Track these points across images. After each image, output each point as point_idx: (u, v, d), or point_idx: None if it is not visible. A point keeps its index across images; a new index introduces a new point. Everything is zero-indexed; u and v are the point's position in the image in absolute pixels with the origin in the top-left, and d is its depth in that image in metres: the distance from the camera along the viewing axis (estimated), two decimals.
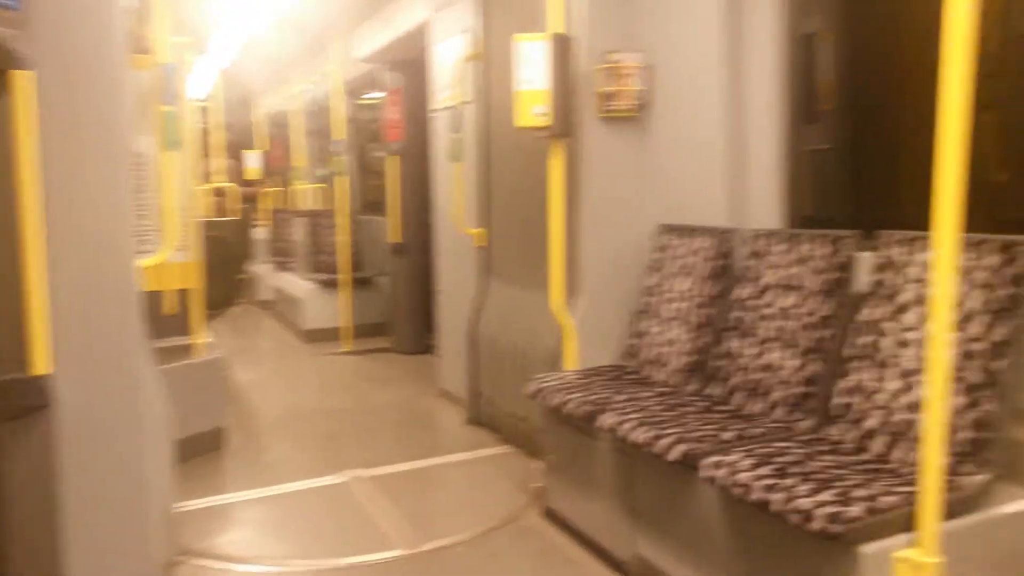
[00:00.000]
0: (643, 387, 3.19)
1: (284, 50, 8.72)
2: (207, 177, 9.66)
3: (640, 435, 2.63)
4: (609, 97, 3.65)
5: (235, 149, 11.00)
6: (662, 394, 3.06)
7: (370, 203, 8.27)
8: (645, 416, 2.76)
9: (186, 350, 4.30)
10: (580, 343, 3.66)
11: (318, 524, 3.51)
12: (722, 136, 3.36)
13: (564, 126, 3.60)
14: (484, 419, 4.62)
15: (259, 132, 11.16)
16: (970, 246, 2.21)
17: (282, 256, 9.31)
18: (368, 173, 8.60)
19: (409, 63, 6.26)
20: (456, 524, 3.37)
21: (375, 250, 7.50)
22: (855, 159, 3.53)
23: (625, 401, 2.96)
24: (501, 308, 4.49)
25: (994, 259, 2.19)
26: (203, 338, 4.39)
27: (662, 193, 3.70)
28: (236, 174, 10.67)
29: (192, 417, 4.10)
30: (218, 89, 9.59)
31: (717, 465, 2.27)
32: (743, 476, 2.16)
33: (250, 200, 10.77)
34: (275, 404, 5.49)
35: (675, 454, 2.47)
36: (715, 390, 3.06)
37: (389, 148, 6.65)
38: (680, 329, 3.34)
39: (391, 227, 6.68)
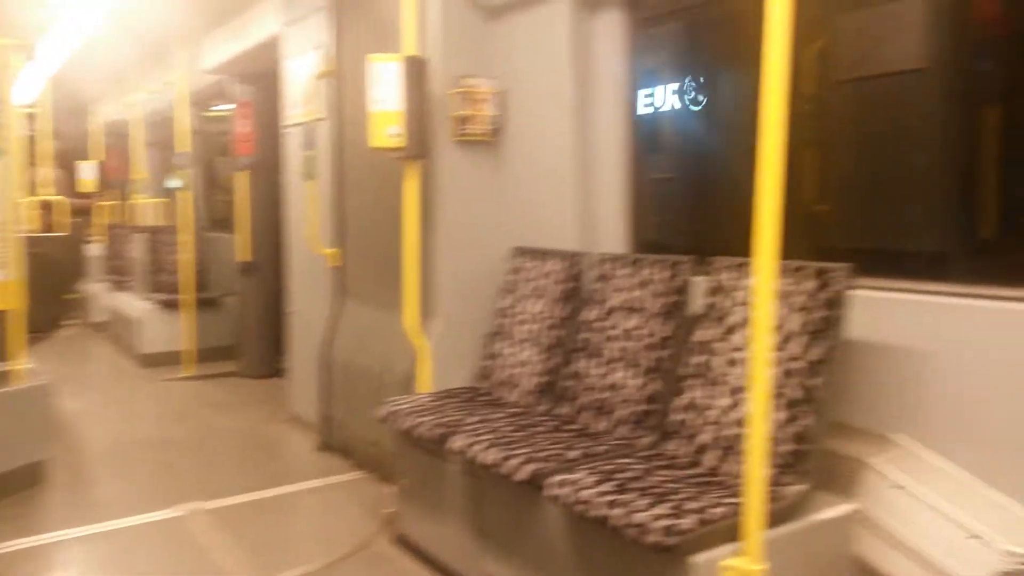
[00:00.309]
0: (495, 408, 3.21)
1: (123, 57, 8.22)
2: (33, 189, 8.90)
3: (489, 456, 2.64)
4: (464, 121, 3.68)
5: (68, 159, 10.20)
6: (513, 415, 3.10)
7: (218, 220, 7.91)
8: (495, 437, 2.78)
9: (3, 377, 3.92)
10: (435, 365, 3.65)
11: (150, 562, 3.27)
12: (572, 163, 3.48)
13: (419, 148, 3.60)
14: (336, 444, 4.50)
15: (95, 142, 10.42)
16: (789, 272, 2.40)
17: (118, 275, 8.70)
18: (216, 188, 8.23)
19: (260, 76, 6.06)
20: (302, 555, 3.25)
21: (222, 269, 7.16)
22: (695, 188, 3.75)
23: (477, 423, 2.97)
24: (356, 330, 4.40)
25: (810, 284, 2.38)
26: (23, 364, 4.02)
27: (516, 216, 3.77)
28: (67, 186, 9.88)
29: (8, 450, 3.74)
30: (47, 95, 8.88)
31: (561, 483, 2.32)
32: (585, 493, 2.22)
33: (83, 214, 9.99)
34: (106, 434, 5.09)
35: (523, 474, 2.50)
36: (564, 409, 3.13)
37: (239, 163, 6.39)
38: (532, 350, 3.40)
39: (240, 245, 6.40)
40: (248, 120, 6.32)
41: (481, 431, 2.85)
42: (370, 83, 3.52)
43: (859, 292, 2.39)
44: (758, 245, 1.93)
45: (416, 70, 3.55)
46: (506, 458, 2.59)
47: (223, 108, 7.52)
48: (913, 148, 2.97)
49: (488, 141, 3.76)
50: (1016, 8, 2.69)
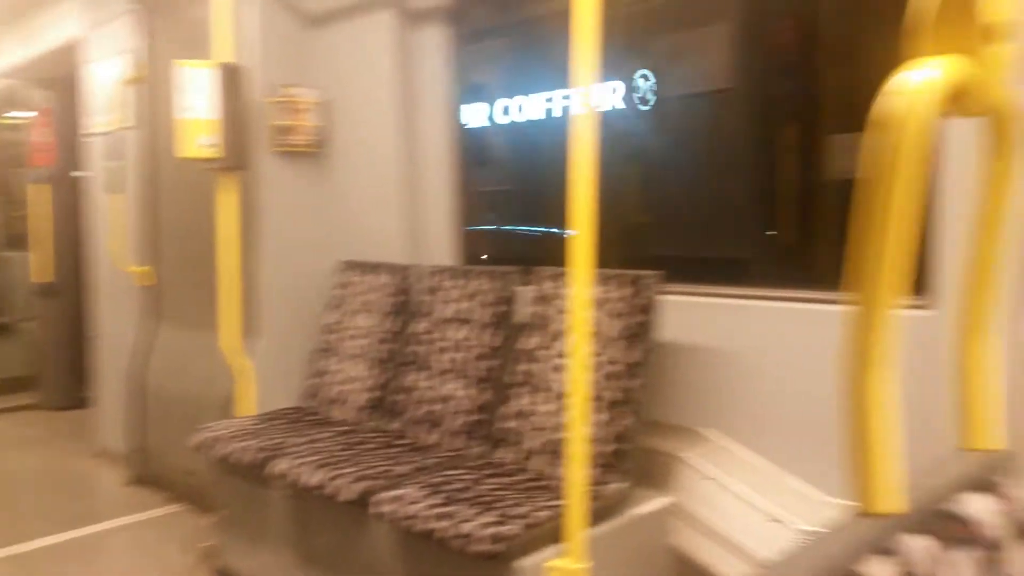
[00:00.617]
0: (322, 428, 3.10)
1: None
2: None
3: (315, 478, 2.54)
4: (285, 131, 3.56)
5: None
6: (341, 433, 3.01)
7: (15, 237, 7.15)
8: (322, 458, 2.68)
9: None
10: (259, 386, 3.47)
11: None
12: (399, 175, 3.45)
13: (236, 159, 3.43)
14: (150, 477, 4.17)
15: None
16: (605, 280, 2.50)
17: None
18: (12, 203, 7.44)
19: (60, 81, 5.57)
20: None
21: (18, 291, 6.47)
22: (521, 200, 3.84)
23: (302, 444, 2.85)
24: (172, 353, 4.11)
25: (626, 291, 2.49)
26: None
27: (344, 229, 3.68)
28: None
29: None
30: None
31: (388, 500, 2.27)
32: (412, 508, 2.19)
33: None
34: None
35: (350, 494, 2.42)
36: (395, 425, 3.08)
37: (36, 175, 5.82)
38: (361, 366, 3.32)
39: (38, 265, 5.82)
40: (48, 128, 5.78)
41: (306, 452, 2.74)
42: (178, 90, 3.32)
43: (672, 297, 2.53)
44: (574, 255, 1.99)
45: (231, 77, 3.39)
46: (333, 478, 2.50)
47: (18, 115, 6.82)
48: (723, 163, 3.21)
49: (312, 152, 3.66)
50: (808, 36, 2.98)
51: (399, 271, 3.35)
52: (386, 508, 2.26)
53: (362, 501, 2.39)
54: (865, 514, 0.79)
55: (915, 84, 0.65)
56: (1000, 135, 0.89)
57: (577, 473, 1.97)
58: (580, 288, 1.99)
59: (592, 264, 1.99)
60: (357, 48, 3.55)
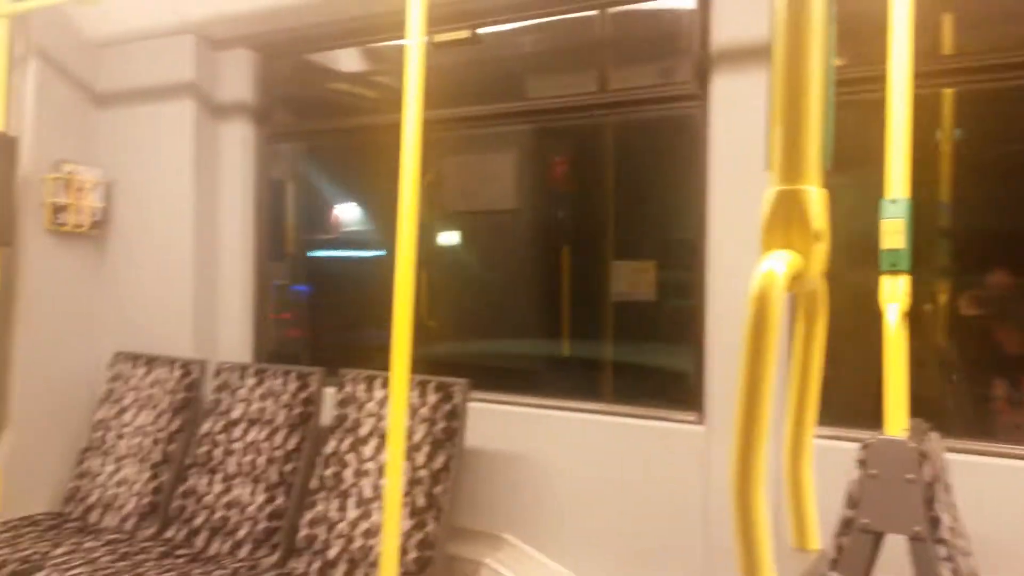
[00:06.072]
0: (89, 536, 2.81)
1: None
2: None
3: None
4: (61, 209, 3.30)
5: None
6: (112, 543, 2.75)
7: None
8: (94, 570, 2.43)
9: None
10: (5, 487, 3.07)
11: None
12: (192, 265, 3.32)
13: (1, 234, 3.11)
14: None
15: None
16: (414, 385, 2.59)
17: None
18: None
19: None
20: None
21: None
22: (319, 299, 3.84)
23: (66, 554, 2.57)
24: None
25: (433, 397, 2.60)
26: None
27: (121, 318, 3.43)
28: None
29: None
30: None
31: None
32: None
33: None
34: None
35: None
36: (177, 533, 2.87)
37: None
38: (136, 467, 3.07)
39: None
40: None
41: (76, 563, 2.47)
42: None
43: (474, 404, 2.66)
44: (393, 360, 2.04)
45: (1, 147, 3.10)
46: None
47: None
48: (510, 276, 3.48)
49: (90, 233, 3.41)
50: (578, 172, 3.39)
51: (183, 366, 3.18)
52: None
53: None
54: None
55: (774, 269, 0.92)
56: (812, 308, 1.20)
57: None
58: (397, 393, 2.04)
59: (408, 369, 2.06)
60: (152, 133, 3.42)
